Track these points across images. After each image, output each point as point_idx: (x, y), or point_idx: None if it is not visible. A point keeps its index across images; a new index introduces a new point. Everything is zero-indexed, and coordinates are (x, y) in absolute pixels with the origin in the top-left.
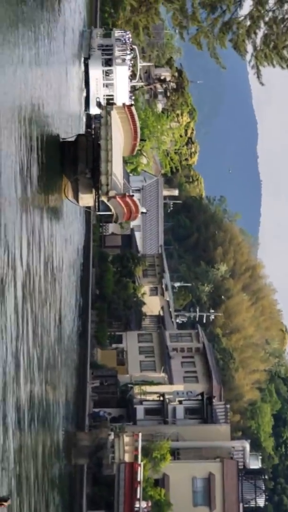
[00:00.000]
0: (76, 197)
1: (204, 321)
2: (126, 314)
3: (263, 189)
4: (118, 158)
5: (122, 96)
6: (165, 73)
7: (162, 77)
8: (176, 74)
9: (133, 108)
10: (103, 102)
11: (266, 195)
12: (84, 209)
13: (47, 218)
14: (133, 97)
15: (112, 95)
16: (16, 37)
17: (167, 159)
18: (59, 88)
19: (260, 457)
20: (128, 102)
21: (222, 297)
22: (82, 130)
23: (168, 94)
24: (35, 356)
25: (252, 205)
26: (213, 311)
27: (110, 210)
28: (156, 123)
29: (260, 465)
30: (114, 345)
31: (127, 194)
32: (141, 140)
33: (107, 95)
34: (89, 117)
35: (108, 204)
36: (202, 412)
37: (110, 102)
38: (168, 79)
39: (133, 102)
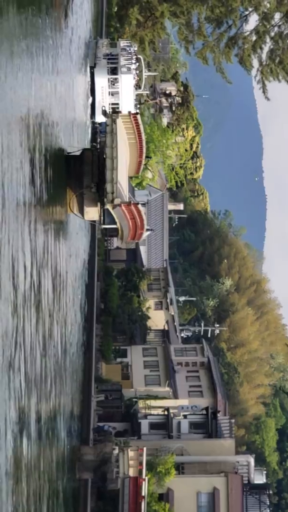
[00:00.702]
0: (81, 211)
1: (209, 335)
2: (131, 328)
3: (268, 204)
4: (123, 167)
5: (128, 105)
6: (171, 88)
7: (167, 92)
8: (181, 88)
9: (138, 116)
10: (109, 110)
11: (271, 209)
12: (89, 222)
13: (52, 232)
14: (138, 106)
15: (117, 104)
16: (24, 49)
17: (172, 173)
18: (65, 98)
19: (265, 472)
20: (133, 111)
21: (228, 311)
22: (87, 143)
23: (174, 108)
24: (39, 370)
25: (257, 220)
26: (218, 325)
27: (115, 223)
28: (162, 138)
29: (264, 480)
30: (118, 359)
31: (132, 202)
32: (147, 157)
33: (112, 104)
34: (94, 131)
35: (113, 213)
36: (206, 426)
37: (115, 110)
38: (173, 93)
39: (138, 111)
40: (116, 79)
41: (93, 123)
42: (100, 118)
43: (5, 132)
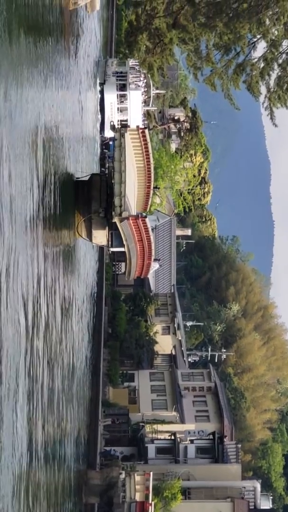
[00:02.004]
0: (89, 236)
1: (216, 360)
2: (138, 353)
3: (275, 230)
4: (131, 183)
5: (136, 120)
6: (179, 113)
7: (176, 117)
8: (190, 114)
9: (146, 131)
10: (117, 125)
11: (278, 235)
12: (97, 245)
13: (60, 257)
14: (146, 122)
15: (126, 120)
16: (37, 69)
17: (180, 198)
18: (75, 116)
19: (271, 497)
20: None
21: (235, 336)
22: (96, 166)
23: (182, 134)
24: (47, 394)
25: (264, 245)
26: (225, 350)
27: (123, 245)
28: (170, 163)
29: (271, 505)
30: (126, 384)
31: (140, 216)
32: (155, 187)
33: (121, 121)
34: (102, 157)
35: (120, 227)
36: (213, 451)
37: (124, 124)
38: (182, 119)
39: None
40: (124, 95)
41: (102, 145)
42: (109, 133)
43: (16, 155)
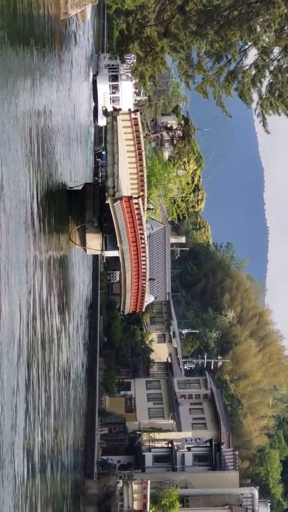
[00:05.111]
0: (84, 245)
1: (212, 367)
2: (134, 361)
3: (270, 236)
4: (123, 166)
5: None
6: (172, 121)
7: (168, 125)
8: (182, 122)
9: (138, 114)
10: (110, 109)
11: (273, 241)
12: (92, 254)
13: (54, 266)
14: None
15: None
16: (27, 77)
17: (174, 206)
18: (67, 119)
19: (269, 504)
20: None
21: (231, 343)
22: (89, 173)
23: (175, 142)
24: (43, 404)
25: (259, 252)
26: (220, 357)
27: (117, 248)
28: (163, 171)
29: None
30: (122, 392)
31: (133, 196)
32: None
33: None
34: (96, 165)
35: (113, 210)
36: (210, 459)
37: (116, 108)
38: (174, 127)
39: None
40: (116, 86)
41: (95, 154)
42: (102, 122)
43: (8, 163)
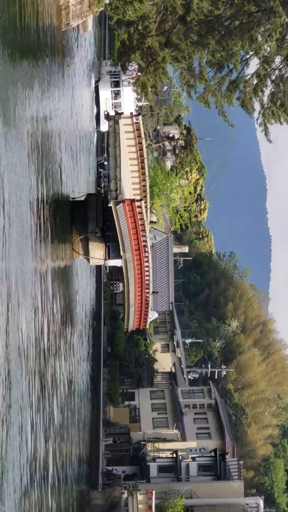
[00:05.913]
0: (87, 255)
1: (216, 376)
2: (138, 371)
3: (273, 244)
4: (125, 170)
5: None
6: (174, 131)
7: (170, 135)
8: (184, 131)
9: (140, 117)
10: (112, 113)
11: (276, 250)
12: (95, 264)
13: (58, 277)
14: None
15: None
16: (30, 87)
17: (176, 216)
18: (69, 126)
19: None
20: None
21: (234, 352)
22: (92, 183)
23: (177, 151)
24: (48, 415)
25: (262, 261)
26: (224, 366)
27: (120, 256)
28: (165, 181)
29: None
30: (126, 403)
31: (135, 199)
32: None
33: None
34: (98, 176)
35: (114, 212)
36: (215, 468)
37: (118, 112)
38: (176, 137)
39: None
40: (118, 91)
41: (97, 165)
42: (104, 127)
43: (13, 174)
